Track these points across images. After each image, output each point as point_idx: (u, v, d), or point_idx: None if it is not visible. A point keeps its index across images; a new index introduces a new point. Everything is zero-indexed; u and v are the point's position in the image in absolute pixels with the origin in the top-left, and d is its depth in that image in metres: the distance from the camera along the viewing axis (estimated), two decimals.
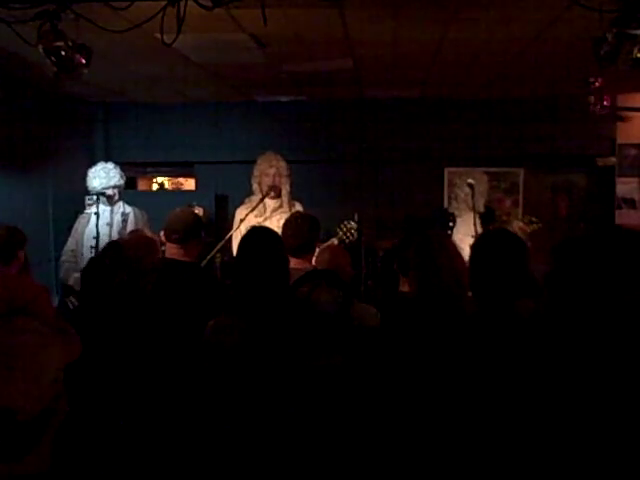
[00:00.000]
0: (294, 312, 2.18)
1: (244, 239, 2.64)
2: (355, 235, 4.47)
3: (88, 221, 4.80)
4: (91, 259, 2.81)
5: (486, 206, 5.16)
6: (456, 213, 5.09)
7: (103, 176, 4.77)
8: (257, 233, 2.70)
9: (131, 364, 2.32)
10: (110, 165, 4.89)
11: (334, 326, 2.13)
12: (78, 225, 4.85)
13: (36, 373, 1.19)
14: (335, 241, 4.37)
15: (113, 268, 2.50)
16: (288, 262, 2.63)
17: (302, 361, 2.14)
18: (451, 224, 4.98)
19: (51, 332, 1.25)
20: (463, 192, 4.99)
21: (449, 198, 6.15)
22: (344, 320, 2.16)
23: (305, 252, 3.28)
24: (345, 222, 4.46)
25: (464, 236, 4.69)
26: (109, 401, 2.19)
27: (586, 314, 1.71)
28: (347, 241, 4.44)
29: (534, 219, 4.85)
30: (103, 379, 2.23)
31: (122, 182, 4.90)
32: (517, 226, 4.93)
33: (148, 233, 3.81)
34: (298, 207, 4.79)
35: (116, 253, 2.57)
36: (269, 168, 4.74)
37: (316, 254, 3.42)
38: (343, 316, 2.16)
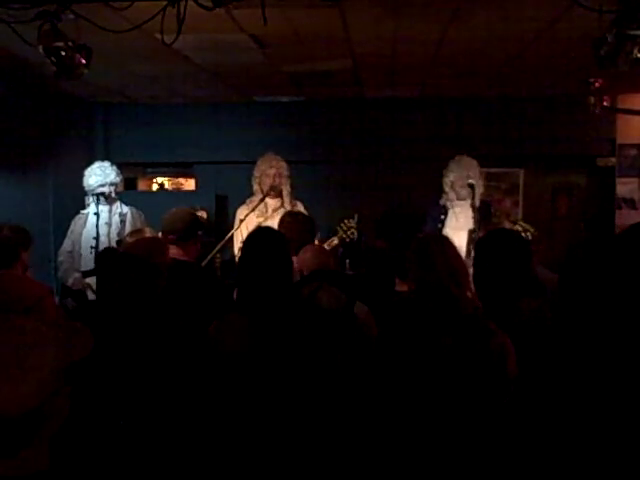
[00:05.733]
0: (298, 311, 2.19)
1: (249, 238, 2.63)
2: (355, 234, 4.47)
3: (85, 222, 4.79)
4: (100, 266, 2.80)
5: (482, 200, 5.03)
6: (447, 205, 4.98)
7: (99, 173, 4.76)
8: (262, 233, 2.70)
9: (134, 364, 2.32)
10: (106, 163, 4.89)
11: (337, 325, 2.14)
12: (74, 226, 4.84)
13: (23, 372, 1.17)
14: (335, 240, 4.38)
15: (116, 272, 2.50)
16: (292, 262, 2.63)
17: (307, 359, 2.14)
18: (442, 217, 4.93)
19: (48, 331, 1.24)
20: (463, 189, 4.90)
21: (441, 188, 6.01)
22: (347, 319, 2.17)
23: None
24: (345, 221, 4.46)
25: (455, 230, 4.61)
26: (111, 400, 2.19)
27: (596, 316, 1.70)
28: (347, 240, 4.44)
29: (530, 227, 4.42)
30: (106, 379, 2.23)
31: (118, 179, 4.89)
32: (508, 227, 4.86)
33: (149, 233, 3.79)
34: (299, 207, 4.83)
35: (114, 258, 2.58)
36: (269, 169, 4.79)
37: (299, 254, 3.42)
38: (346, 315, 2.17)
